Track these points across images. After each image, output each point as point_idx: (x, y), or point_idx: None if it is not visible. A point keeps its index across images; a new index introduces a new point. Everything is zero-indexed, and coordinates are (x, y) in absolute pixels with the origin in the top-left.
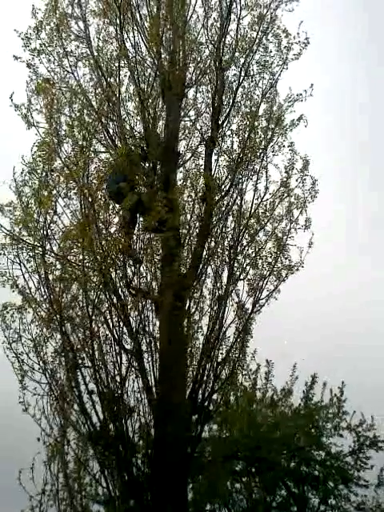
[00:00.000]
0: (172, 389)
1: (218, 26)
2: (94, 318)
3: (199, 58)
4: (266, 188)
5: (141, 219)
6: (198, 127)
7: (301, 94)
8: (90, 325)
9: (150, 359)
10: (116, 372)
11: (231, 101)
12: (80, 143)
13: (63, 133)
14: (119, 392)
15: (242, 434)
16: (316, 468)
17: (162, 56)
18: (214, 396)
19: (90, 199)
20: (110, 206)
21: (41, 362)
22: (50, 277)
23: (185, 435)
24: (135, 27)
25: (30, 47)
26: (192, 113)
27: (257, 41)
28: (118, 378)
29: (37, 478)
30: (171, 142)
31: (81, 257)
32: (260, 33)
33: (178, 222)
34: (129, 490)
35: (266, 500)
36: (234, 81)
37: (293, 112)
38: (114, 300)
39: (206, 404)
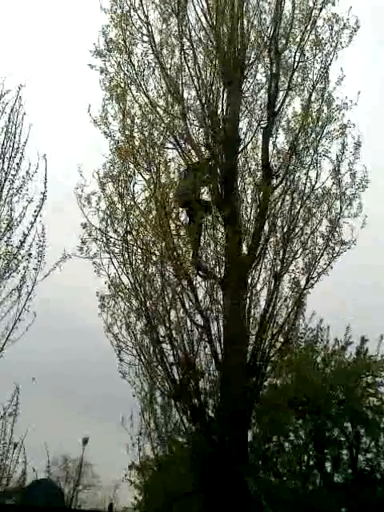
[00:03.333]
0: (234, 354)
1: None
2: (169, 299)
3: (256, 42)
4: (317, 175)
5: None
6: (256, 111)
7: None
8: (169, 306)
9: (216, 331)
10: (189, 343)
11: (287, 85)
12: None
13: (137, 143)
14: (192, 359)
15: (300, 383)
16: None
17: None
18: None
19: (165, 209)
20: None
21: (133, 340)
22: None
23: (245, 394)
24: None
25: (101, 52)
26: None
27: (312, 20)
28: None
29: (134, 425)
30: (232, 130)
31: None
32: (315, 10)
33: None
34: (202, 433)
35: (320, 437)
36: (291, 61)
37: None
38: (186, 283)
39: (262, 368)
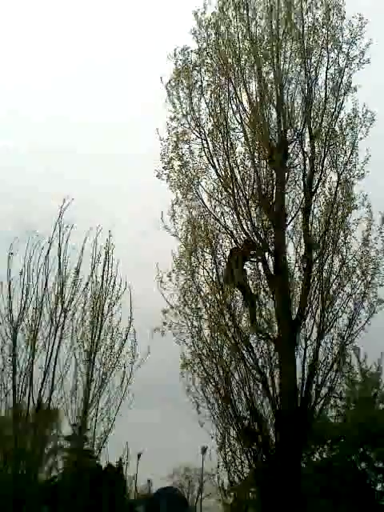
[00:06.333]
0: (287, 402)
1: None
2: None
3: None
4: (348, 248)
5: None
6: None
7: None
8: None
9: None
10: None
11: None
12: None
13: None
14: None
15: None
16: None
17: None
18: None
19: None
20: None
21: (205, 397)
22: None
23: (296, 434)
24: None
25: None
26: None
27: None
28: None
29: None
30: (279, 209)
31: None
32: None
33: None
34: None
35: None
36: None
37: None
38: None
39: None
